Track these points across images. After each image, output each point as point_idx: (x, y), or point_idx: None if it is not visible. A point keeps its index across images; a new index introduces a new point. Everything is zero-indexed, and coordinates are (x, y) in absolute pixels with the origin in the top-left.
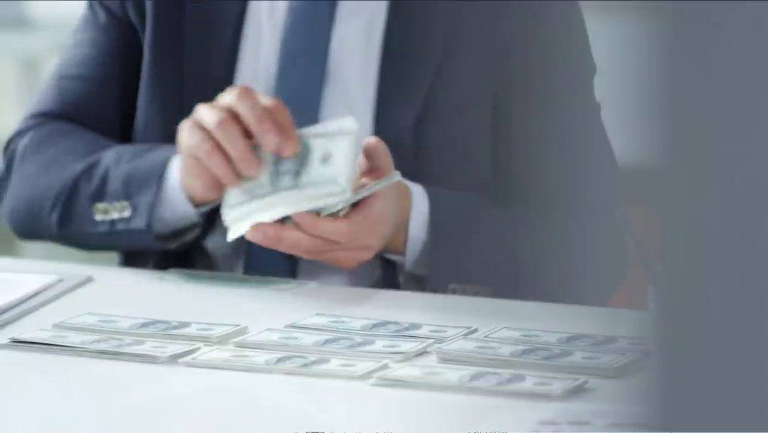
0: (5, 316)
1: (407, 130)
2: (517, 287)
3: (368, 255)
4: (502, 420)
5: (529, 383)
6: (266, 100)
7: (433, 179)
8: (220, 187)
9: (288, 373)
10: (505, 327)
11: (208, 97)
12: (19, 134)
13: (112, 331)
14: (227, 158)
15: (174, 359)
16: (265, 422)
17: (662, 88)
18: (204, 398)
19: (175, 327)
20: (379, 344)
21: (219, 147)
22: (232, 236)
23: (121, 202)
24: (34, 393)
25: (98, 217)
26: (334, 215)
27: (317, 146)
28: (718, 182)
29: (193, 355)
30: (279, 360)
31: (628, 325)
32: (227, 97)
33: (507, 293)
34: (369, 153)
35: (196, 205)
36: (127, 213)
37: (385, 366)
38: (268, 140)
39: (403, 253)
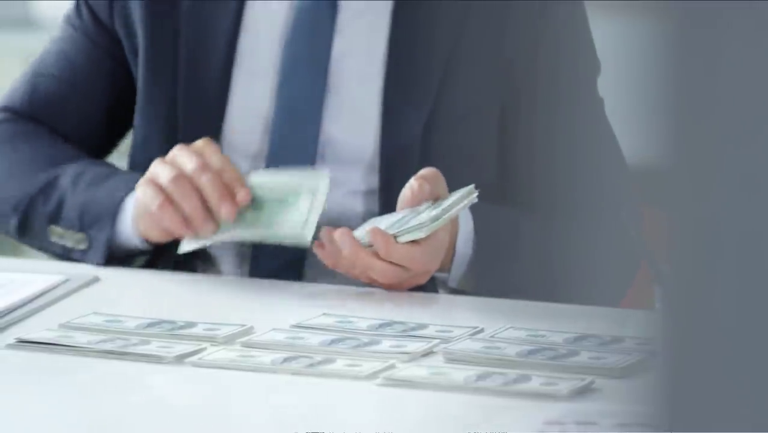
0: (11, 316)
1: (415, 138)
2: (552, 294)
3: (425, 280)
4: (508, 420)
5: (535, 383)
6: (216, 160)
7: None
8: (173, 235)
9: (294, 373)
10: (511, 327)
11: (203, 114)
12: None
13: (118, 331)
14: (180, 213)
15: (180, 359)
16: (271, 422)
17: (668, 88)
18: (210, 398)
19: (181, 327)
20: (386, 344)
21: (171, 201)
22: (183, 248)
23: (76, 234)
24: (40, 393)
25: (54, 239)
26: (413, 242)
27: (279, 191)
28: (724, 182)
29: (200, 355)
30: (285, 360)
31: (634, 325)
32: (184, 159)
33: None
34: (426, 179)
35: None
36: (83, 246)
37: (392, 366)
38: (223, 212)
39: (448, 270)
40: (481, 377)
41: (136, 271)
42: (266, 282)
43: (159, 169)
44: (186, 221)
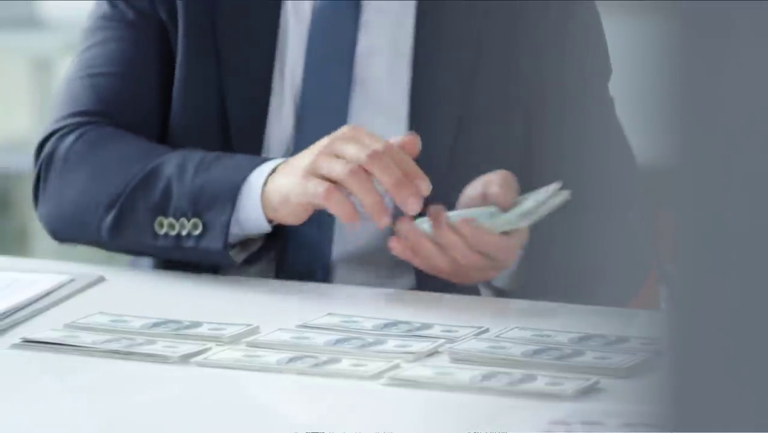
0: (17, 315)
1: (446, 136)
2: (572, 293)
3: (497, 273)
4: (513, 420)
5: (540, 383)
6: (384, 148)
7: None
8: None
9: (299, 373)
10: (516, 327)
11: (249, 105)
12: (60, 137)
13: (124, 331)
14: (351, 203)
15: (185, 358)
16: (276, 421)
17: (674, 89)
18: (215, 397)
19: (186, 327)
20: (391, 344)
21: (340, 191)
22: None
23: (191, 220)
24: (45, 393)
25: (161, 231)
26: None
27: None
28: (730, 183)
29: (205, 355)
30: (290, 360)
31: (639, 325)
32: (350, 149)
33: (572, 299)
34: (498, 183)
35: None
36: (198, 231)
37: (397, 366)
38: (409, 206)
39: None
40: (486, 377)
41: (141, 271)
42: (271, 282)
43: (324, 164)
44: (354, 212)
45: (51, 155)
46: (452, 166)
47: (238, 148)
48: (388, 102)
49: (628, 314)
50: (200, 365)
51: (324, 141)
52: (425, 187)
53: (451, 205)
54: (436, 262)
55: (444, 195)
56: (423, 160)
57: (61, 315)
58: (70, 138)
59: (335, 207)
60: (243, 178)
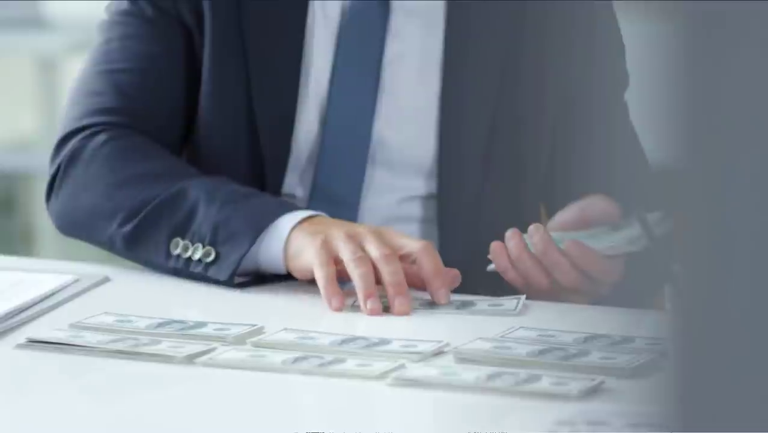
0: (22, 316)
1: (477, 142)
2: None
3: (598, 295)
4: (518, 420)
5: (545, 383)
6: (414, 246)
7: (498, 196)
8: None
9: (304, 373)
10: (521, 327)
11: (277, 106)
12: (87, 136)
13: (129, 331)
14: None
15: (190, 358)
16: (281, 422)
17: (680, 90)
18: (220, 398)
19: (191, 327)
20: (396, 344)
21: (337, 275)
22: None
23: (205, 247)
24: (50, 393)
25: (175, 251)
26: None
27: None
28: (736, 184)
29: (210, 355)
30: (296, 360)
31: (645, 325)
32: (372, 248)
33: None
34: (599, 208)
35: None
36: (209, 259)
37: (402, 366)
38: (396, 308)
39: None
40: (491, 377)
41: (146, 271)
42: (277, 282)
43: (342, 244)
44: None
45: (75, 153)
46: (485, 175)
47: (266, 150)
48: (417, 109)
49: (634, 314)
50: (205, 365)
51: (354, 228)
52: (402, 309)
53: (482, 214)
54: (535, 279)
55: (476, 204)
56: (453, 167)
57: (66, 315)
58: (98, 139)
59: (320, 279)
60: (270, 221)
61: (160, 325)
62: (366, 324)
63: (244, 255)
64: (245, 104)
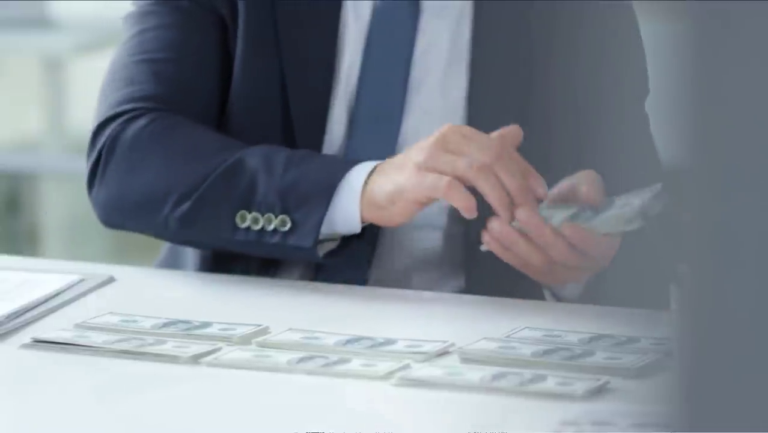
0: (27, 315)
1: None
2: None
3: (588, 275)
4: (523, 420)
5: (550, 384)
6: (497, 144)
7: None
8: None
9: (310, 373)
10: (526, 327)
11: (310, 100)
12: (126, 121)
13: (134, 331)
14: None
15: (196, 359)
16: (286, 422)
17: (686, 90)
18: (225, 398)
19: (197, 327)
20: (401, 344)
21: (458, 182)
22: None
23: (279, 216)
24: (55, 393)
25: (242, 224)
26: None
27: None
28: (741, 183)
29: (215, 355)
30: (301, 360)
31: (650, 325)
32: (469, 147)
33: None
34: (587, 182)
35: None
36: (285, 228)
37: (407, 366)
38: (522, 214)
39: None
40: (496, 377)
41: (151, 270)
42: (281, 282)
43: (441, 161)
44: (474, 205)
45: (115, 139)
46: None
47: (300, 144)
48: (445, 108)
49: (639, 314)
50: (210, 365)
51: (434, 138)
52: (542, 190)
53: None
54: (530, 259)
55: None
56: None
57: (71, 315)
58: (139, 123)
59: (457, 198)
60: (340, 177)
61: (165, 325)
62: (371, 324)
63: (322, 216)
64: (279, 100)
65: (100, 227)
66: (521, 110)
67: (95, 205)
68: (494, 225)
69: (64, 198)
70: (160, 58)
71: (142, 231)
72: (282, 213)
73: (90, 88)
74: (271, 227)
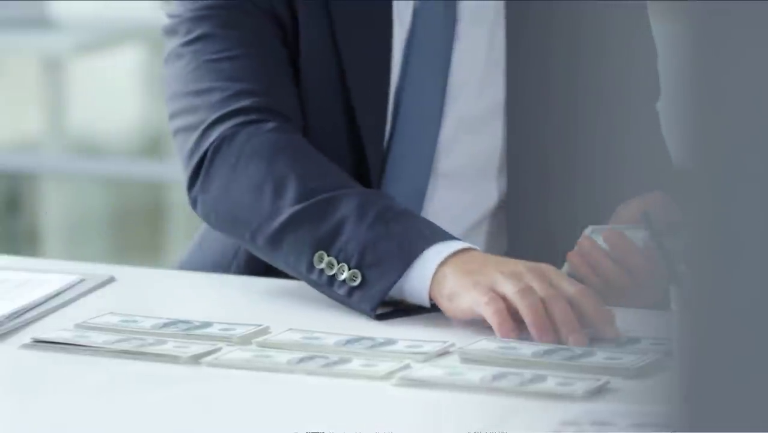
0: (27, 315)
1: (542, 153)
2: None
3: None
4: (523, 420)
5: (551, 384)
6: (570, 289)
7: (565, 202)
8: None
9: (310, 373)
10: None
11: (371, 97)
12: (239, 125)
13: (134, 331)
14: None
15: (196, 359)
16: (286, 422)
17: (687, 89)
18: (226, 398)
19: (197, 327)
20: (401, 345)
21: (500, 299)
22: None
23: (351, 269)
24: (55, 393)
25: (319, 265)
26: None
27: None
28: (742, 184)
29: (215, 355)
30: (301, 360)
31: (650, 325)
32: (535, 281)
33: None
34: (659, 204)
35: None
36: (355, 283)
37: (407, 366)
38: (572, 341)
39: None
40: (496, 378)
41: (152, 271)
42: (282, 282)
43: (503, 279)
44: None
45: (224, 141)
46: (551, 181)
47: (367, 146)
48: (482, 113)
49: (639, 314)
50: (211, 365)
51: (512, 266)
52: (613, 335)
53: (550, 221)
54: (616, 281)
55: (542, 211)
56: (520, 171)
57: (72, 315)
58: (249, 129)
59: (494, 315)
60: (421, 250)
61: (165, 325)
62: (371, 324)
63: (391, 286)
64: (341, 102)
65: (100, 227)
66: (559, 115)
67: (194, 205)
68: (584, 244)
69: (64, 198)
70: (240, 55)
71: (236, 240)
72: (356, 267)
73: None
74: (342, 277)
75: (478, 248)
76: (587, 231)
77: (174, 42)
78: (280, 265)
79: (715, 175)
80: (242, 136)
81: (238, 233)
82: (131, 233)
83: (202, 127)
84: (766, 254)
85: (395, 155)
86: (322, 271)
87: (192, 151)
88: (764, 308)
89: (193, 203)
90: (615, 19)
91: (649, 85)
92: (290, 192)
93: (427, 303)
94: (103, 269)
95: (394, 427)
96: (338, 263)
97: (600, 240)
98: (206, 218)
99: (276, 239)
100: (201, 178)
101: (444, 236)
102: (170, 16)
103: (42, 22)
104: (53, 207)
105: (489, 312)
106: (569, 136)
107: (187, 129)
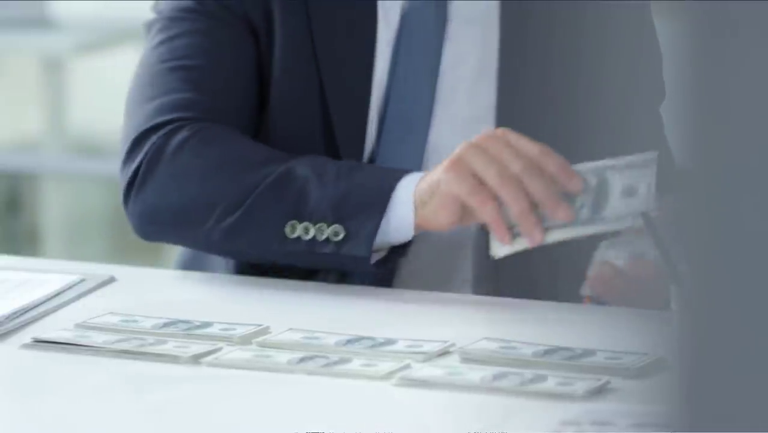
0: (28, 315)
1: None
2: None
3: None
4: (524, 420)
5: (551, 384)
6: (534, 150)
7: None
8: (466, 222)
9: (310, 373)
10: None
11: (351, 107)
12: (170, 132)
13: (135, 331)
14: (501, 211)
15: (196, 358)
16: (286, 422)
17: (687, 89)
18: (226, 398)
19: (197, 327)
20: (401, 344)
21: (493, 198)
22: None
23: (331, 226)
24: (56, 393)
25: (292, 234)
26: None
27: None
28: (743, 183)
29: (216, 355)
30: (301, 360)
31: (650, 325)
32: (503, 151)
33: None
34: None
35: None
36: (338, 237)
37: (407, 366)
38: (561, 216)
39: None
40: (497, 378)
41: (152, 270)
42: (282, 282)
43: (477, 161)
44: (499, 221)
45: (158, 150)
46: None
47: (343, 152)
48: (473, 116)
49: (639, 314)
50: (211, 365)
51: (479, 137)
52: (576, 185)
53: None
54: (636, 301)
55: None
56: None
57: (72, 315)
58: (182, 134)
59: (489, 218)
60: (393, 185)
61: (165, 325)
62: (371, 324)
63: (377, 226)
64: (319, 108)
65: (100, 227)
66: (550, 118)
67: (132, 216)
68: (605, 271)
69: (64, 198)
70: (195, 65)
71: (182, 243)
72: (335, 223)
73: (90, 88)
74: (323, 237)
75: None
76: (602, 247)
77: (147, 41)
78: (247, 252)
79: (714, 175)
80: (175, 141)
81: (187, 236)
82: (131, 232)
83: (132, 140)
84: (766, 254)
85: (384, 158)
86: (298, 238)
87: (125, 164)
88: (764, 308)
89: (131, 216)
90: (616, 19)
91: (653, 89)
92: (239, 181)
93: (410, 233)
94: (103, 269)
95: (394, 427)
96: (315, 225)
97: (612, 255)
98: (146, 229)
99: (236, 229)
100: (135, 190)
101: (408, 171)
102: (155, 11)
103: (42, 22)
104: (53, 207)
105: (486, 215)
106: (564, 141)
107: (123, 138)
